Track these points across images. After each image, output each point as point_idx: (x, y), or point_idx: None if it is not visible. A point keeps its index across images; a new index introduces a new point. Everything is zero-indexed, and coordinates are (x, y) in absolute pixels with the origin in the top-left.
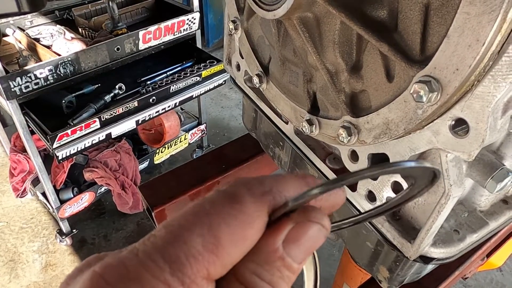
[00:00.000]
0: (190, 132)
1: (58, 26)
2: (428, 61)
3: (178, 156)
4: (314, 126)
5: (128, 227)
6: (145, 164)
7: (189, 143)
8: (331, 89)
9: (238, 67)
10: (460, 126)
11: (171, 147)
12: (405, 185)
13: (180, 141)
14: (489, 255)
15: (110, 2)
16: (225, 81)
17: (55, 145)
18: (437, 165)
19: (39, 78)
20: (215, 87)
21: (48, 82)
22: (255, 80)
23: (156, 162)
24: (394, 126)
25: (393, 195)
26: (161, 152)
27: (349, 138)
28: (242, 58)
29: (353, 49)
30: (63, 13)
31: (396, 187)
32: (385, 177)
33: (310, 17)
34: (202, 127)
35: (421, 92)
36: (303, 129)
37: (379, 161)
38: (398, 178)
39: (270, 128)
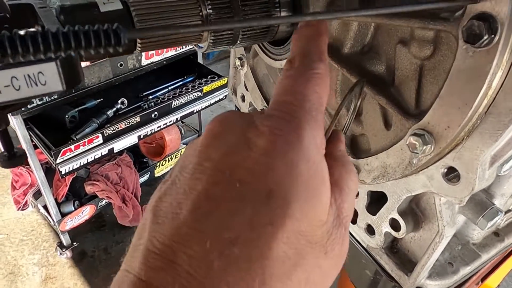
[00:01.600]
0: None
1: None
2: (423, 114)
3: None
4: None
5: (129, 240)
6: (145, 177)
7: None
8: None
9: (243, 98)
10: (452, 173)
11: (171, 160)
12: (402, 223)
13: (181, 154)
14: (484, 279)
15: None
16: (225, 96)
17: (58, 160)
18: (431, 207)
19: None
20: (216, 102)
21: (52, 98)
22: None
23: (156, 175)
24: (392, 170)
25: (391, 231)
26: (162, 165)
27: None
28: (247, 90)
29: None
30: None
31: (394, 223)
32: (384, 214)
33: None
34: None
35: (416, 145)
36: None
37: (378, 198)
38: (395, 215)
39: None
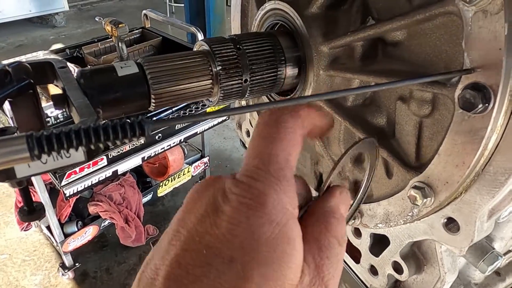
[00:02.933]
0: (194, 164)
1: (68, 64)
2: (423, 167)
3: (181, 188)
4: None
5: (131, 260)
6: (148, 197)
7: (192, 176)
8: (336, 177)
9: (248, 133)
10: (452, 223)
11: (174, 179)
12: (405, 267)
13: (184, 174)
14: None
15: (119, 42)
16: (229, 116)
17: (63, 183)
18: (433, 251)
19: (50, 117)
20: (219, 123)
21: (58, 121)
22: None
23: (159, 194)
24: (393, 218)
25: (394, 273)
26: (165, 185)
27: (353, 221)
28: (252, 126)
29: None
30: (74, 51)
31: (397, 266)
32: (386, 256)
33: None
34: (205, 159)
35: (416, 197)
36: None
37: (380, 238)
38: (398, 258)
39: None
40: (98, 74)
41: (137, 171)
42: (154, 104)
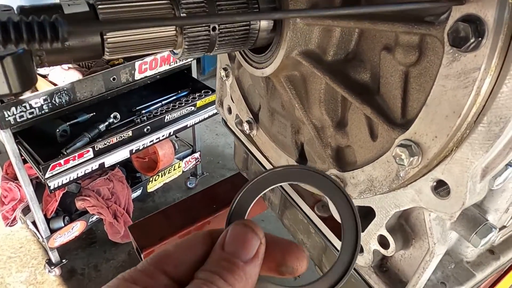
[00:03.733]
0: (184, 160)
1: None
2: (409, 124)
3: (172, 184)
4: None
5: (119, 257)
6: (138, 192)
7: (183, 171)
8: (317, 143)
9: (229, 110)
10: (442, 187)
11: (164, 175)
12: (391, 240)
13: (174, 169)
14: None
15: None
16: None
17: (47, 175)
18: (421, 223)
19: (34, 108)
20: (209, 117)
21: (43, 112)
22: (246, 126)
23: (149, 190)
24: (378, 184)
25: (380, 248)
26: (155, 180)
27: None
28: (233, 102)
29: (338, 107)
30: None
31: (383, 240)
32: (372, 230)
33: (296, 75)
34: (197, 155)
35: (402, 156)
36: None
37: (365, 213)
38: (384, 232)
39: (261, 170)
40: (40, 11)
41: (126, 166)
42: (108, 52)
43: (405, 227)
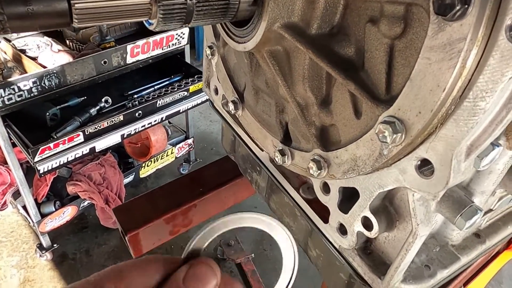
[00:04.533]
0: (177, 146)
1: (45, 37)
2: (393, 101)
3: (165, 170)
4: (286, 156)
5: (111, 242)
6: (130, 178)
7: (176, 157)
8: (301, 122)
9: (216, 91)
10: (426, 166)
11: (157, 160)
12: (374, 221)
13: (167, 155)
14: (466, 283)
15: None
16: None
17: (36, 159)
18: (406, 204)
19: (23, 90)
20: (202, 102)
21: (32, 95)
22: (231, 106)
23: (142, 176)
24: (362, 163)
25: (363, 230)
26: (147, 166)
27: (319, 172)
28: (220, 82)
29: (323, 84)
30: None
31: (366, 222)
32: (356, 211)
33: (280, 50)
34: (190, 141)
35: (385, 133)
36: (276, 159)
37: (351, 194)
38: (367, 213)
39: (248, 153)
40: None
41: (118, 152)
42: (76, 19)
43: (389, 209)
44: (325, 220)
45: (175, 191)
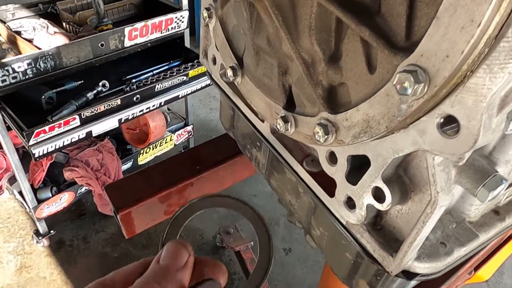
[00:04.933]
0: (177, 133)
1: (41, 19)
2: (414, 48)
3: (163, 157)
4: (289, 123)
5: (109, 229)
6: (128, 165)
7: (175, 144)
8: (307, 82)
9: (214, 61)
10: (449, 125)
11: (156, 147)
12: (387, 191)
13: (166, 142)
14: (477, 268)
15: None
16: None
17: (31, 142)
18: (423, 172)
19: (17, 72)
20: (202, 88)
21: (27, 77)
22: (229, 73)
23: (140, 162)
24: (375, 123)
25: (374, 202)
26: (146, 152)
27: (326, 137)
28: (218, 50)
29: (332, 36)
30: (47, 7)
31: (378, 193)
32: (366, 182)
33: None
34: (189, 128)
35: (405, 84)
36: (278, 126)
37: (359, 164)
38: (379, 183)
39: (248, 128)
40: None
41: (117, 138)
42: None
43: (403, 178)
44: (331, 194)
45: (170, 168)
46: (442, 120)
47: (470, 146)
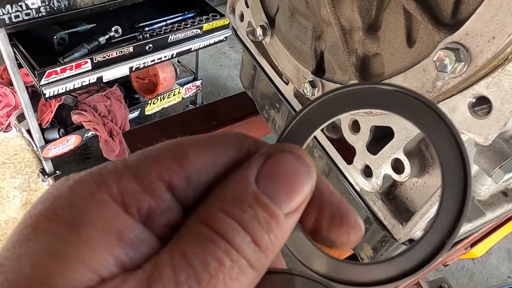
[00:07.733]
0: (185, 86)
1: None
2: (458, 25)
3: (170, 110)
4: (316, 88)
5: None
6: (135, 114)
7: (183, 98)
8: (342, 49)
9: (241, 17)
10: (480, 105)
11: (163, 99)
12: (407, 164)
13: (174, 95)
14: (473, 244)
15: None
16: (226, 37)
17: (42, 82)
18: None
19: (31, 9)
20: (215, 43)
21: (40, 14)
22: (259, 32)
23: (147, 113)
24: None
25: (392, 173)
26: (153, 103)
27: None
28: (248, 7)
29: (374, 5)
30: None
31: (397, 165)
32: (387, 153)
33: None
34: (198, 83)
35: (446, 61)
36: (304, 90)
37: (382, 135)
38: (400, 155)
39: (268, 88)
40: None
41: (125, 86)
42: None
43: (424, 153)
44: (348, 162)
45: (187, 121)
46: (474, 100)
47: (499, 128)
